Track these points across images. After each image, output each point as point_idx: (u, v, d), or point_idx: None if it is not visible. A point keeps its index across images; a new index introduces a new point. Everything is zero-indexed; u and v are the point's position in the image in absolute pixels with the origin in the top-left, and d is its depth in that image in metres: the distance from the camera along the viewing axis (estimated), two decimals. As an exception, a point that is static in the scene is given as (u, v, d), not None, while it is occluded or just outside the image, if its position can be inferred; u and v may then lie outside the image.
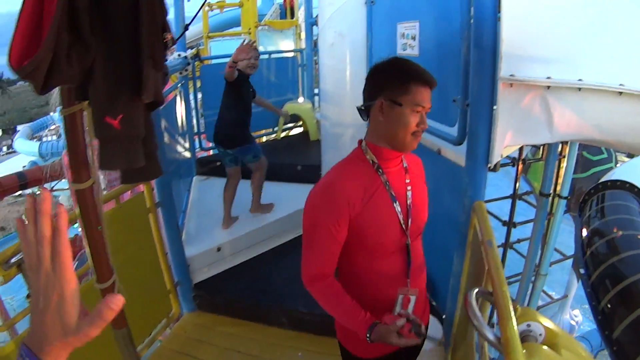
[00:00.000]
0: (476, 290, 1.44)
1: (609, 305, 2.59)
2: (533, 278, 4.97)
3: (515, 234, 4.64)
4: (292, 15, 9.86)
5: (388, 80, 1.27)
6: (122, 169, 1.08)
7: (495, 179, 4.40)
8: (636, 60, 1.65)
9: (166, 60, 1.04)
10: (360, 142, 1.39)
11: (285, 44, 9.83)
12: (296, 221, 3.70)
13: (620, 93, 1.63)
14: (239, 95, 3.32)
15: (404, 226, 1.35)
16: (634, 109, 1.66)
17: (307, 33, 5.50)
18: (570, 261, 5.53)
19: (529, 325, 1.40)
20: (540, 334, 1.40)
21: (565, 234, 4.29)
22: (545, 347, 1.34)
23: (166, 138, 3.14)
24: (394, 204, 1.33)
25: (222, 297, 2.98)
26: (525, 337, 1.41)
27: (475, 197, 1.88)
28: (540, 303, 5.61)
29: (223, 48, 9.47)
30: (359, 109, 1.36)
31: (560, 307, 6.02)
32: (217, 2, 10.31)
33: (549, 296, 5.89)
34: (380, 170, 1.33)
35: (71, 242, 0.56)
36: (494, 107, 1.73)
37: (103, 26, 0.89)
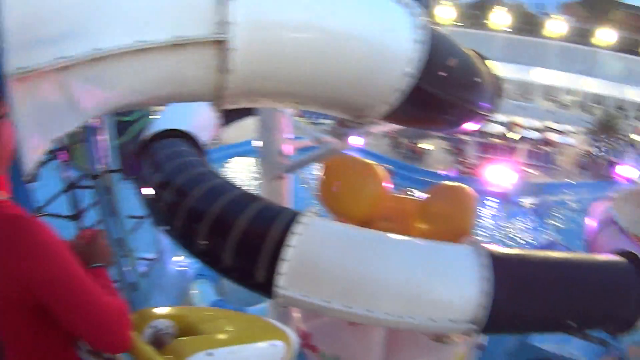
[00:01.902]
0: None
1: (207, 243, 2.74)
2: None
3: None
4: None
5: None
6: None
7: (44, 179, 3.86)
8: (152, 12, 1.63)
9: None
10: None
11: None
12: None
13: (144, 50, 1.61)
14: None
15: None
16: (158, 62, 1.67)
17: None
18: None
19: (155, 327, 1.30)
20: (171, 326, 1.33)
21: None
22: (184, 338, 1.28)
23: None
24: None
25: None
26: (160, 338, 1.30)
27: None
28: (144, 269, 5.76)
29: None
30: None
31: (161, 263, 6.40)
32: None
33: (147, 259, 6.10)
34: None
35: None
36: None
37: None
